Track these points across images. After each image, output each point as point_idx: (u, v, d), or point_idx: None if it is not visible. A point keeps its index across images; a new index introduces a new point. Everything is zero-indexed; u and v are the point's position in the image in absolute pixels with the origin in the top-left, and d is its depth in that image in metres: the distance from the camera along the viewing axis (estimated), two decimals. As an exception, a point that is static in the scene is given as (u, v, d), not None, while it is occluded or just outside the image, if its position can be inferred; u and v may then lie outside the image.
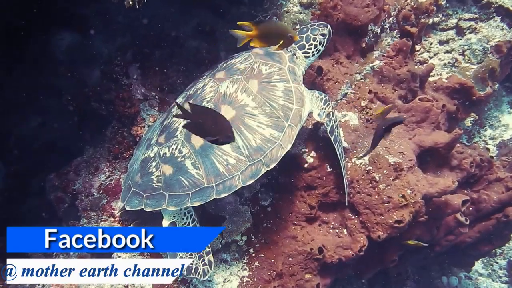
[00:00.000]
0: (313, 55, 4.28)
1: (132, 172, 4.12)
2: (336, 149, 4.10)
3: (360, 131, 4.72)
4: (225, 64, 4.15)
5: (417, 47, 5.72)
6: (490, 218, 5.45)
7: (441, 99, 5.46)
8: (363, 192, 4.40)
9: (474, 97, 5.55)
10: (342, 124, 4.71)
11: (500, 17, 6.22)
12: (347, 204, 4.34)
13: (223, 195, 3.73)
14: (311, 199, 4.53)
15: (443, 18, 5.99)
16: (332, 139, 4.09)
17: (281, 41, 3.41)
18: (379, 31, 4.70)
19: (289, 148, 3.84)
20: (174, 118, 3.95)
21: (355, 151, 4.57)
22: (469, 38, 6.04)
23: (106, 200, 4.80)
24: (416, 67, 5.16)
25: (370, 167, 4.42)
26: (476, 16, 6.23)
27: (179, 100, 4.18)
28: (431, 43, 5.97)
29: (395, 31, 4.62)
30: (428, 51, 5.94)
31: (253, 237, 4.49)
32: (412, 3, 4.63)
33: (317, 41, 4.22)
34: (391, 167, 4.40)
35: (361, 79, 4.40)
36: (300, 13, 4.85)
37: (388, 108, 4.41)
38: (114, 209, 4.71)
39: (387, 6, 4.93)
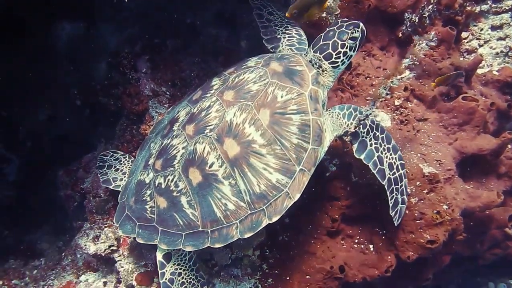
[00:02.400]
0: (343, 63, 3.58)
1: (129, 189, 3.76)
2: (374, 170, 3.49)
3: (393, 134, 4.14)
4: (237, 79, 3.51)
5: (465, 34, 5.02)
6: (543, 231, 4.78)
7: (490, 95, 4.79)
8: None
9: (530, 93, 4.84)
10: (371, 125, 4.17)
11: None
12: (396, 224, 3.68)
13: (217, 246, 3.31)
14: (333, 211, 4.05)
15: (493, 5, 5.19)
16: (362, 158, 3.49)
17: None
18: (417, 19, 4.06)
19: (298, 198, 3.29)
20: (174, 142, 3.49)
21: (385, 158, 4.02)
22: (527, 23, 5.26)
23: (112, 203, 4.50)
24: (461, 59, 4.49)
25: (401, 178, 3.87)
26: (538, -4, 5.43)
27: (182, 114, 3.65)
28: (482, 29, 5.22)
29: (432, 33, 3.88)
30: (477, 38, 5.19)
31: (267, 251, 4.06)
32: None
33: (346, 47, 3.50)
34: (426, 178, 3.86)
35: (381, 99, 3.78)
36: (328, -1, 4.27)
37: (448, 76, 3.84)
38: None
39: (429, -10, 4.27)
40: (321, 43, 3.54)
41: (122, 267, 4.15)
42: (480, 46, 5.18)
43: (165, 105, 4.43)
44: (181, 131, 3.48)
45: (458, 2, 4.01)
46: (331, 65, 3.54)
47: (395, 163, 3.55)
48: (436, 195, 3.83)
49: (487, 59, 5.10)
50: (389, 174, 3.51)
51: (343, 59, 3.54)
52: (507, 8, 5.25)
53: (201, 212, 3.32)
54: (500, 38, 5.21)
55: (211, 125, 3.35)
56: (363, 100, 4.33)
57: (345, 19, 3.60)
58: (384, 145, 3.54)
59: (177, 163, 3.41)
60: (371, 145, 3.50)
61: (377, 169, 3.48)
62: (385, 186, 3.51)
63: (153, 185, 3.50)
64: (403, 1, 4.21)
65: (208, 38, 4.71)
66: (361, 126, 3.46)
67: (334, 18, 4.26)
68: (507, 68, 4.84)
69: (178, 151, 3.43)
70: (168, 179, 3.42)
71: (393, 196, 3.55)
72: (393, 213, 3.59)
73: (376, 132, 3.52)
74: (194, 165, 3.32)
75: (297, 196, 3.27)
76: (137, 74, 4.43)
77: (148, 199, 3.53)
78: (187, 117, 3.54)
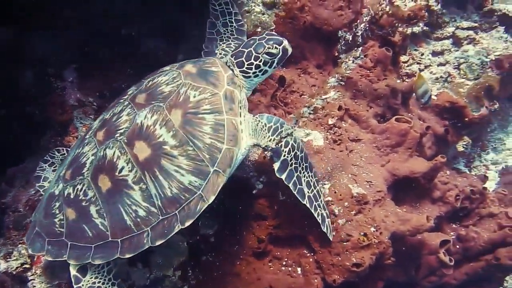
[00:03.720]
0: (255, 76, 3.45)
1: (41, 204, 3.54)
2: (294, 190, 3.40)
3: (325, 154, 4.06)
4: (150, 82, 3.40)
5: (405, 57, 5.02)
6: (479, 259, 4.70)
7: (429, 119, 4.77)
8: (320, 227, 3.73)
9: (466, 118, 4.82)
10: (304, 144, 4.05)
11: (503, 27, 5.47)
12: (331, 238, 3.63)
13: (127, 256, 3.10)
14: (260, 231, 3.90)
15: (425, 28, 5.21)
16: (283, 178, 3.37)
17: None
18: (350, 38, 4.01)
19: (212, 201, 3.12)
20: (84, 150, 3.32)
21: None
22: (466, 50, 5.27)
23: (30, 218, 4.23)
24: (398, 81, 4.45)
25: (329, 198, 3.76)
26: (476, 25, 5.47)
27: (95, 123, 3.51)
28: (423, 54, 5.23)
29: (359, 50, 3.76)
30: (418, 63, 5.20)
31: (189, 271, 3.87)
32: (387, 9, 3.88)
33: (260, 61, 3.38)
34: (354, 199, 3.75)
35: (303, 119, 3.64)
36: (263, 14, 4.23)
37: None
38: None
39: (367, 9, 4.22)
40: (239, 49, 3.45)
41: (34, 286, 3.88)
42: (421, 70, 5.17)
43: (90, 116, 4.26)
44: (92, 138, 3.31)
45: (389, 23, 3.96)
46: (242, 74, 3.42)
47: (311, 180, 3.49)
48: (364, 217, 3.72)
49: (427, 84, 5.09)
50: (308, 192, 3.43)
51: (256, 72, 3.42)
52: (448, 34, 5.30)
53: (110, 221, 3.10)
54: (440, 64, 5.23)
55: (122, 128, 3.19)
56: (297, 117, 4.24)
57: (272, 32, 3.50)
58: (303, 164, 3.46)
59: (86, 170, 3.22)
60: (291, 164, 3.39)
61: (297, 189, 3.40)
62: (307, 205, 3.43)
63: (62, 197, 3.28)
64: (339, 19, 4.18)
65: (146, 50, 4.58)
66: (283, 144, 3.34)
67: (269, 33, 4.19)
68: (445, 94, 4.84)
69: (88, 159, 3.24)
70: (77, 189, 3.21)
71: (318, 212, 3.49)
72: (325, 228, 3.53)
73: (297, 152, 3.41)
74: (103, 171, 3.14)
75: (212, 198, 3.09)
76: (63, 83, 4.26)
77: (57, 211, 3.30)
78: (99, 123, 3.38)
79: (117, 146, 3.13)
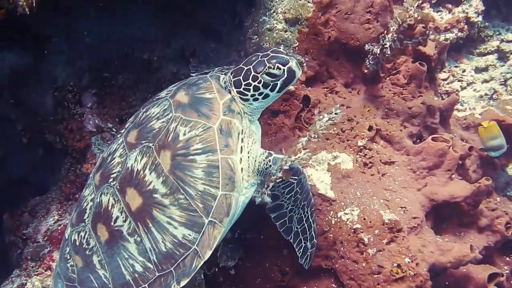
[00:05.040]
0: (254, 99, 2.95)
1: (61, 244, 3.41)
2: (280, 228, 3.24)
3: (354, 178, 3.74)
4: (144, 115, 3.04)
5: (444, 74, 4.65)
6: (538, 297, 4.18)
7: (472, 140, 4.35)
8: (348, 258, 3.41)
9: (515, 138, 4.38)
10: (331, 167, 3.75)
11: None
12: (307, 268, 3.40)
13: None
14: (283, 262, 3.58)
15: (459, 34, 4.77)
16: (272, 216, 3.21)
17: None
18: (378, 51, 3.70)
19: (208, 257, 2.78)
20: (85, 193, 3.13)
21: (342, 203, 3.57)
22: (513, 64, 4.87)
23: (48, 249, 4.14)
24: (436, 99, 4.10)
25: (358, 225, 3.41)
26: (524, 37, 5.07)
27: (97, 163, 3.30)
28: (464, 70, 4.85)
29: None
30: (459, 80, 4.81)
31: (207, 307, 3.57)
32: (416, 14, 3.51)
33: (258, 82, 2.88)
34: (386, 226, 3.39)
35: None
36: (285, 31, 3.99)
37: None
38: (54, 260, 4.02)
39: (394, 19, 3.89)
40: (240, 65, 3.00)
41: (45, 320, 3.73)
42: (463, 88, 4.78)
43: (108, 142, 4.13)
44: (92, 180, 3.11)
45: (418, 30, 3.64)
46: (239, 95, 2.96)
47: (304, 216, 3.26)
48: (397, 246, 3.34)
49: (470, 102, 4.69)
50: (296, 228, 3.26)
51: (254, 94, 2.94)
52: (492, 49, 4.89)
53: (111, 274, 2.86)
54: (484, 81, 4.82)
55: (114, 172, 2.93)
56: (323, 140, 3.93)
57: (279, 49, 3.04)
58: (300, 204, 3.20)
59: (87, 217, 3.00)
60: (286, 207, 3.16)
61: (284, 227, 3.25)
62: (291, 240, 3.29)
63: (70, 242, 3.10)
64: (366, 33, 3.89)
65: (167, 74, 4.46)
66: (286, 192, 3.08)
67: (292, 51, 3.95)
68: (491, 111, 4.42)
69: (88, 204, 3.04)
70: (81, 236, 3.01)
71: (301, 245, 3.34)
72: (303, 260, 3.38)
73: (298, 196, 3.14)
74: (100, 220, 2.90)
75: (208, 253, 2.75)
76: (81, 108, 4.17)
77: (68, 256, 3.11)
78: (99, 163, 3.17)
79: (110, 192, 2.89)
